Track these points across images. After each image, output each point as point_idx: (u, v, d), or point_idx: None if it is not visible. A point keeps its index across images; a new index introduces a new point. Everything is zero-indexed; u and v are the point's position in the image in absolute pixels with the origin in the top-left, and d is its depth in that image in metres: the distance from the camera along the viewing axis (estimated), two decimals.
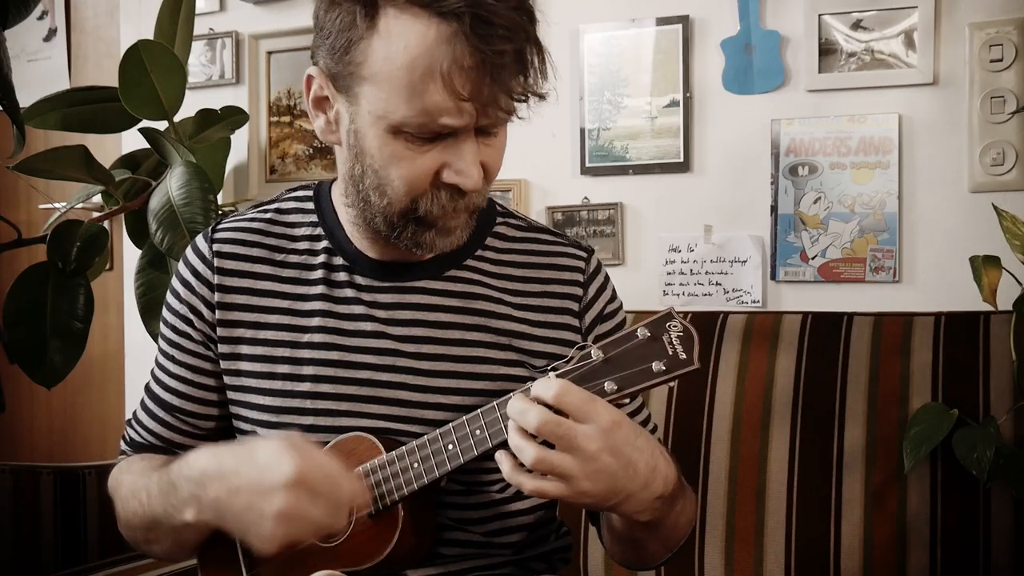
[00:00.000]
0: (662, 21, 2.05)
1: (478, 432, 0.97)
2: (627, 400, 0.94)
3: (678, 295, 2.03)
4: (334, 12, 0.99)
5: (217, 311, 1.12)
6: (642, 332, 0.92)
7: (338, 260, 1.12)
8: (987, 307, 1.51)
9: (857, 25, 1.91)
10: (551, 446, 0.90)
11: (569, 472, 0.89)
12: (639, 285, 2.04)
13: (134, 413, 1.22)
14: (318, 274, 1.12)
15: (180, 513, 1.02)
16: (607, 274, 1.21)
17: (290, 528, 0.94)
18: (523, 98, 0.98)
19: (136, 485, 1.10)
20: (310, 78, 1.04)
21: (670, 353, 0.91)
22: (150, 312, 1.97)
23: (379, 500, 1.01)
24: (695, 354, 0.91)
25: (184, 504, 1.01)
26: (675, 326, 0.92)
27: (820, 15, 1.92)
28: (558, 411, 0.90)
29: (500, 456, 0.94)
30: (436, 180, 1.00)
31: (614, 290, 1.21)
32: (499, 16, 0.93)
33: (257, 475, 0.95)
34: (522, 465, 0.91)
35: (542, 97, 1.00)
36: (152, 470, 1.09)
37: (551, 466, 0.89)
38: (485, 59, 0.93)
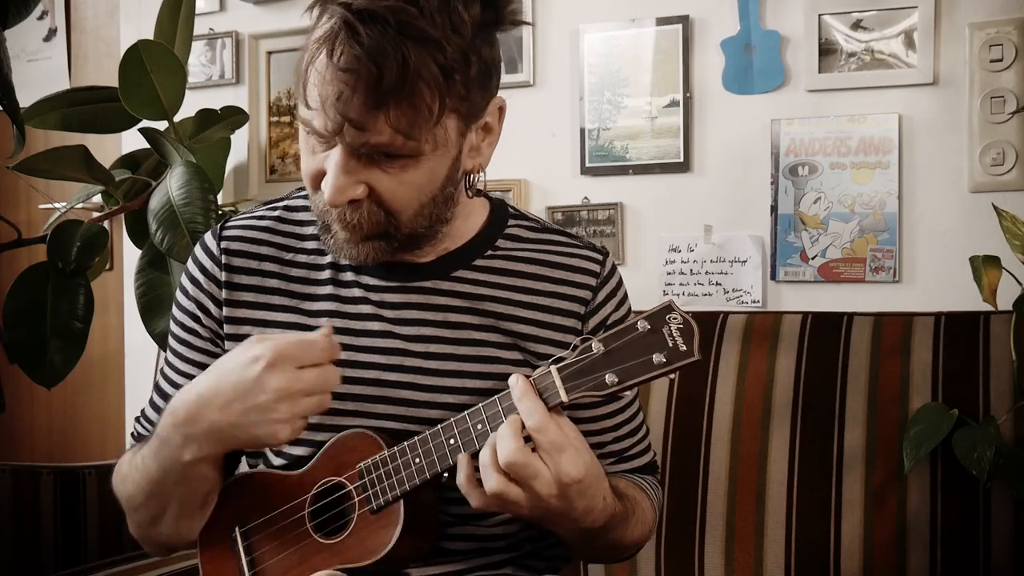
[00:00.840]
0: (662, 21, 2.05)
1: (479, 426, 0.97)
2: (627, 392, 0.94)
3: (678, 295, 2.03)
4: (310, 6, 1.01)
5: (225, 308, 1.12)
6: (642, 324, 0.92)
7: (345, 260, 1.12)
8: (987, 307, 1.51)
9: (857, 25, 1.91)
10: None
11: (518, 504, 0.94)
12: (639, 285, 2.03)
13: (142, 410, 1.22)
14: (326, 274, 1.12)
15: (179, 459, 1.01)
16: (621, 280, 1.19)
17: (294, 403, 0.95)
18: (362, 127, 0.92)
19: (134, 458, 1.10)
20: None
21: (670, 345, 0.91)
22: (150, 312, 1.96)
23: (381, 496, 1.01)
24: (695, 346, 0.91)
25: (180, 450, 1.01)
26: (675, 318, 0.92)
27: (820, 15, 1.92)
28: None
29: (461, 460, 0.97)
30: (319, 185, 1.01)
31: (625, 296, 1.19)
32: (364, 37, 0.89)
33: (236, 378, 0.96)
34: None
35: (412, 139, 0.95)
36: (143, 445, 1.10)
37: (505, 497, 0.93)
38: (335, 74, 0.91)
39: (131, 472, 1.10)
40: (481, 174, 1.09)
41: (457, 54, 0.93)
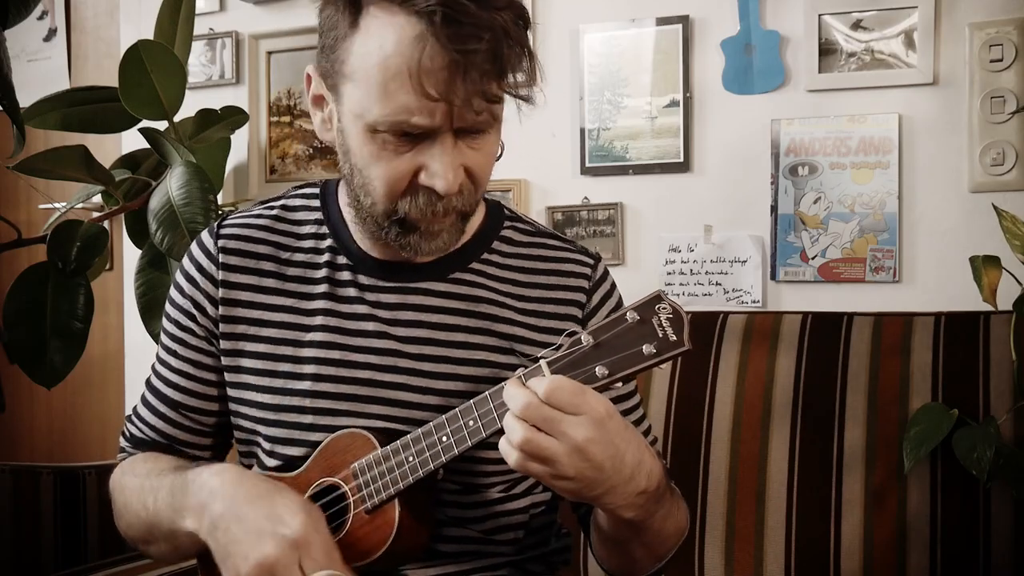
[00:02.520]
0: (662, 21, 2.05)
1: (471, 423, 0.96)
2: (619, 384, 0.93)
3: (678, 295, 2.03)
4: (326, 10, 1.00)
5: (221, 307, 1.12)
6: (631, 315, 0.91)
7: (342, 259, 1.12)
8: (987, 307, 1.51)
9: (857, 25, 1.91)
10: None
11: (555, 456, 0.88)
12: (639, 285, 2.02)
13: (134, 408, 1.21)
14: (322, 273, 1.12)
15: (181, 518, 1.01)
16: (614, 283, 1.20)
17: None
18: (498, 100, 0.96)
19: (143, 487, 1.09)
20: (309, 76, 1.05)
21: (660, 335, 0.90)
22: (150, 312, 1.97)
23: (375, 495, 1.01)
24: (685, 335, 0.90)
25: (188, 510, 1.01)
26: (664, 308, 0.91)
27: (820, 15, 1.92)
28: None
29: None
30: (414, 182, 1.00)
31: (620, 300, 1.20)
32: (470, 15, 0.91)
33: (265, 516, 0.95)
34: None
35: (525, 99, 0.99)
36: (163, 472, 1.09)
37: (538, 447, 0.89)
38: (454, 59, 0.91)
39: (136, 501, 1.10)
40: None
41: (525, 13, 0.97)
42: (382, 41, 0.94)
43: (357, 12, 0.96)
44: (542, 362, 0.93)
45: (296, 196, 1.18)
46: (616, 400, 1.14)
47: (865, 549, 1.49)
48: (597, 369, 0.91)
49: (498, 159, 1.09)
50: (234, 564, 0.94)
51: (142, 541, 1.13)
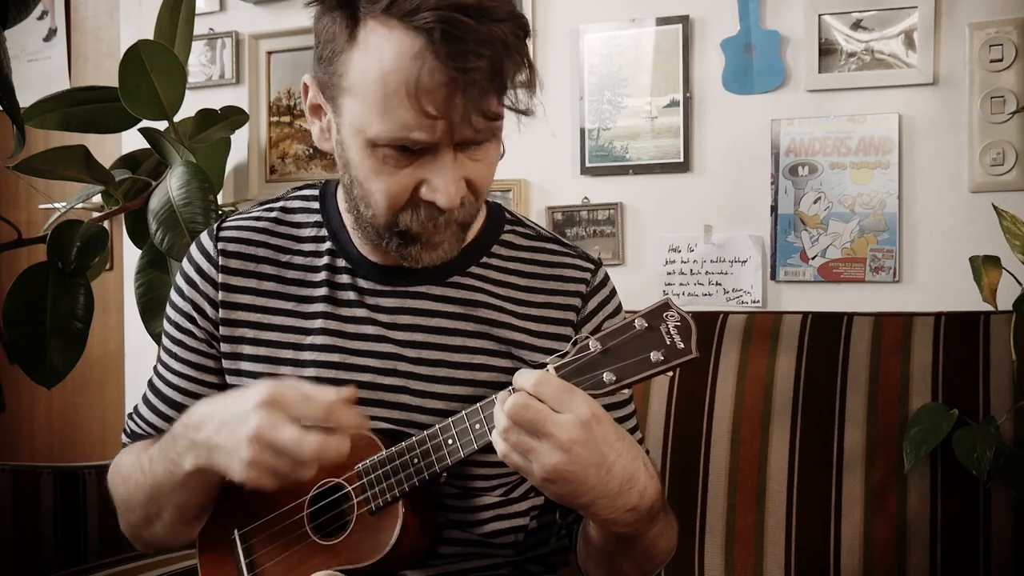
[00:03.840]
0: (662, 21, 2.05)
1: (477, 426, 0.97)
2: (626, 391, 0.93)
3: (678, 295, 2.03)
4: (322, 21, 0.99)
5: (221, 309, 1.12)
6: (639, 322, 0.91)
7: (341, 262, 1.12)
8: (987, 307, 1.51)
9: (857, 25, 1.91)
10: None
11: (534, 449, 0.89)
12: (639, 285, 2.04)
13: (136, 407, 1.22)
14: (322, 276, 1.12)
15: (181, 465, 1.02)
16: (613, 289, 1.19)
17: (261, 451, 0.93)
18: (497, 117, 0.96)
19: (139, 458, 1.10)
20: (305, 85, 1.04)
21: (668, 343, 0.90)
22: (150, 312, 1.97)
23: (379, 496, 1.01)
24: (693, 343, 0.90)
25: (184, 453, 1.02)
26: (672, 316, 0.91)
27: (820, 15, 1.92)
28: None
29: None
30: (415, 196, 0.99)
31: (619, 306, 1.19)
32: (470, 31, 0.90)
33: (236, 405, 0.96)
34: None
35: (525, 113, 0.98)
36: (152, 442, 1.10)
37: (518, 441, 0.89)
38: (453, 77, 0.91)
39: (133, 472, 1.11)
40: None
41: (525, 24, 0.96)
42: (381, 56, 0.93)
43: (355, 25, 0.95)
44: (549, 367, 0.93)
45: (296, 198, 1.18)
46: (610, 408, 1.13)
47: (865, 549, 1.49)
48: (604, 375, 0.91)
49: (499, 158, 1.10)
50: (238, 459, 0.95)
51: (145, 521, 1.12)
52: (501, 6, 0.93)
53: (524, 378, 0.90)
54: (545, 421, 0.88)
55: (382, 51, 0.93)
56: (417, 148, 0.96)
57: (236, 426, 0.95)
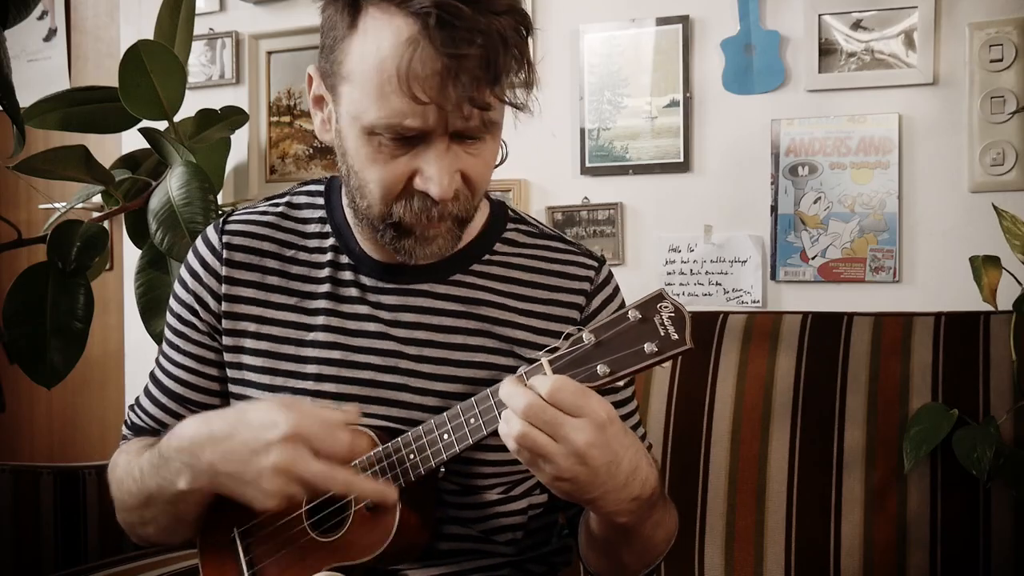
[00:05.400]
0: (662, 21, 2.05)
1: (472, 420, 0.96)
2: (620, 383, 0.93)
3: (678, 295, 2.03)
4: (327, 11, 0.99)
5: (224, 303, 1.12)
6: (633, 314, 0.91)
7: (344, 259, 1.12)
8: (987, 307, 1.51)
9: (857, 25, 1.91)
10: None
11: (552, 456, 0.88)
12: (639, 285, 2.03)
13: (137, 399, 1.22)
14: (325, 272, 1.12)
15: (174, 484, 1.02)
16: (617, 287, 1.19)
17: (289, 482, 0.93)
18: (488, 107, 0.95)
19: (130, 465, 1.10)
20: (310, 76, 1.05)
21: (662, 334, 0.90)
22: (150, 312, 1.97)
23: None
24: (687, 334, 0.90)
25: (177, 474, 1.01)
26: (666, 307, 0.91)
27: (820, 15, 1.92)
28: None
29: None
30: (409, 186, 0.99)
31: (623, 304, 1.19)
32: (465, 18, 0.90)
33: (252, 435, 0.95)
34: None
35: (520, 108, 0.97)
36: (144, 448, 1.10)
37: (534, 443, 0.88)
38: (445, 63, 0.90)
39: (126, 478, 1.11)
40: (503, 144, 1.10)
41: (527, 20, 0.96)
42: (379, 43, 0.93)
43: (356, 13, 0.96)
44: (544, 360, 0.93)
45: (301, 193, 1.18)
46: (612, 404, 1.13)
47: (865, 549, 1.49)
48: (598, 367, 0.91)
49: (500, 164, 1.09)
50: (254, 489, 0.95)
51: (139, 523, 1.12)
52: (510, 1, 0.93)
53: (539, 383, 0.90)
54: (563, 425, 0.88)
55: (380, 37, 0.93)
56: (411, 136, 0.96)
57: (253, 457, 0.94)
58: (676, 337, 0.90)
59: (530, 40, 0.97)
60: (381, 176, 0.99)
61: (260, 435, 0.94)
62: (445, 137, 0.96)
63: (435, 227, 1.01)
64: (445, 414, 0.98)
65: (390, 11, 0.93)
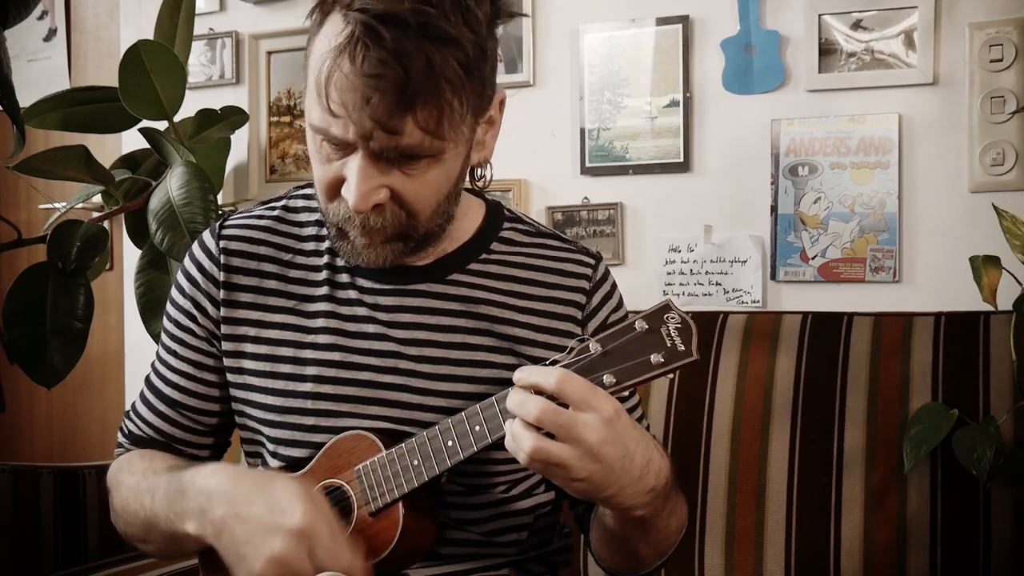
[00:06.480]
0: (662, 21, 2.05)
1: (477, 428, 0.96)
2: (626, 393, 0.93)
3: (678, 295, 2.03)
4: (312, 11, 1.00)
5: (222, 308, 1.12)
6: (640, 324, 0.92)
7: (341, 262, 1.12)
8: (987, 307, 1.51)
9: (857, 25, 1.91)
10: (551, 436, 0.90)
11: (567, 462, 0.89)
12: (639, 285, 2.04)
13: (133, 405, 1.21)
14: (323, 275, 1.12)
15: (182, 522, 1.01)
16: (615, 283, 1.20)
17: (279, 573, 0.92)
18: (397, 132, 0.92)
19: (140, 487, 1.09)
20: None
21: (668, 345, 0.91)
22: (150, 312, 1.97)
23: (380, 498, 1.01)
24: (694, 345, 0.90)
25: (188, 514, 1.00)
26: (673, 318, 0.91)
27: (820, 15, 1.92)
28: (558, 402, 0.89)
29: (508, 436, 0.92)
30: (338, 191, 1.00)
31: (621, 300, 1.20)
32: (386, 40, 0.88)
33: (267, 511, 0.94)
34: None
35: (440, 138, 0.94)
36: (159, 472, 1.09)
37: (548, 455, 0.89)
38: (358, 82, 0.90)
39: (131, 500, 1.10)
40: (488, 167, 1.10)
41: (475, 51, 0.94)
42: (322, 46, 0.94)
43: (325, 15, 0.96)
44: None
45: (298, 197, 1.18)
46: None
47: (865, 549, 1.49)
48: (605, 377, 0.91)
49: (484, 187, 1.10)
50: (247, 566, 0.94)
51: (140, 540, 1.13)
52: (449, 28, 0.91)
53: (542, 376, 0.90)
54: (575, 426, 0.88)
55: (325, 40, 0.94)
56: (338, 143, 0.96)
57: (256, 536, 0.93)
58: (683, 348, 0.91)
59: (485, 72, 0.95)
60: (320, 175, 1.01)
61: (273, 516, 0.94)
62: (366, 150, 0.96)
63: (361, 236, 1.02)
64: (449, 420, 0.98)
65: (339, 16, 0.94)
